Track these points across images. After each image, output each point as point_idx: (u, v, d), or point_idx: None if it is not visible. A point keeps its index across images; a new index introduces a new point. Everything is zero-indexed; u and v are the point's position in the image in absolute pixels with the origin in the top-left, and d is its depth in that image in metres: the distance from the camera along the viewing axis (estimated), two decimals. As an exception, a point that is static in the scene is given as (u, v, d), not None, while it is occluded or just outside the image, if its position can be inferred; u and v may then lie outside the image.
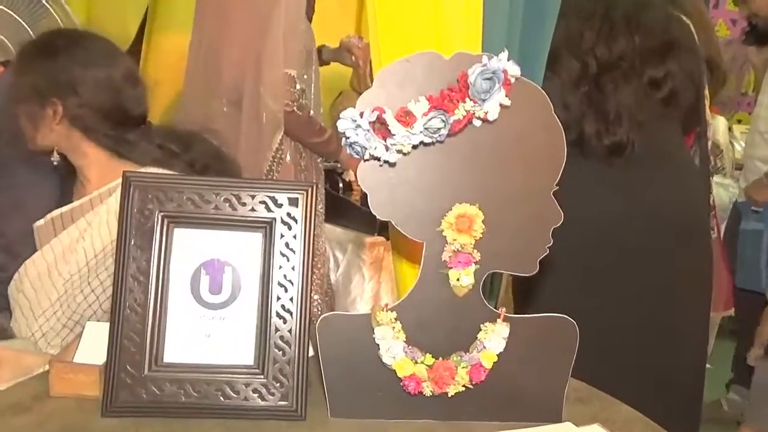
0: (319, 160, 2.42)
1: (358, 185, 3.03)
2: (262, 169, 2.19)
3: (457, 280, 0.97)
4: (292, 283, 1.00)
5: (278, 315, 1.00)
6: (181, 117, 2.21)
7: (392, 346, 0.97)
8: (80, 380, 1.01)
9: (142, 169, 1.34)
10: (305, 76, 2.27)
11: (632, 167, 1.56)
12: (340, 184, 2.98)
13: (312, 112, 2.30)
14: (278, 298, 1.00)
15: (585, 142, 1.55)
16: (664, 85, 1.57)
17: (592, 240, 1.54)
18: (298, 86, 2.20)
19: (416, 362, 0.98)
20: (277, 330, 1.00)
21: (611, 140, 1.55)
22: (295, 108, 2.20)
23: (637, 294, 1.57)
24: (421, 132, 0.92)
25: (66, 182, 1.46)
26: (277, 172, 2.21)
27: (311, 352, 1.02)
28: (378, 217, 0.97)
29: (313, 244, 1.03)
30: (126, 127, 1.38)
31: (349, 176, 2.89)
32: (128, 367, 0.97)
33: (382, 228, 2.48)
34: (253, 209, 1.01)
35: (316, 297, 2.30)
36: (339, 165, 2.83)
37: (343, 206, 2.71)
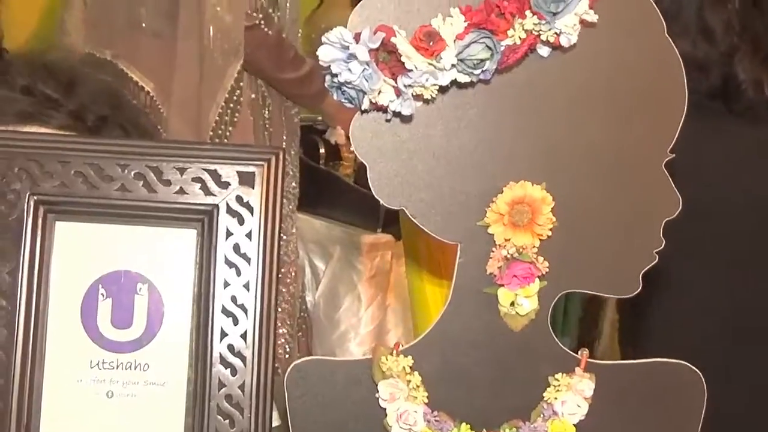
0: (293, 111, 2.41)
1: (351, 152, 3.04)
2: (206, 122, 2.18)
3: (512, 304, 0.97)
4: (246, 311, 0.99)
5: (224, 362, 0.99)
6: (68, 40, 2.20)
7: (407, 411, 0.97)
8: None
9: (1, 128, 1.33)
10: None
11: None
12: (321, 150, 2.97)
13: (286, 32, 2.30)
14: (224, 335, 0.99)
15: (736, 91, 1.54)
16: None
17: (743, 240, 1.55)
18: None
19: (446, 437, 0.98)
20: (222, 386, 0.98)
21: None
22: (260, 21, 2.19)
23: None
24: (453, 66, 0.91)
25: None
26: (232, 127, 2.21)
27: (276, 421, 1.01)
28: (384, 203, 0.96)
29: (280, 247, 1.01)
30: None
31: (337, 137, 2.89)
32: (-18, 447, 0.97)
33: (389, 221, 2.47)
34: (182, 191, 1.00)
35: (282, 330, 2.30)
36: (319, 119, 2.82)
37: (328, 185, 2.71)
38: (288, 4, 2.31)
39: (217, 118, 2.19)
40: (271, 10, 2.19)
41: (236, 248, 1.00)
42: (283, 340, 2.30)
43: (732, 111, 1.54)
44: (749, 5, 1.55)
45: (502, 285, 0.96)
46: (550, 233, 0.95)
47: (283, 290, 2.29)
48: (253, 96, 2.27)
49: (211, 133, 2.21)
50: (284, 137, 2.35)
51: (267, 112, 2.31)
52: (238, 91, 2.21)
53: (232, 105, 2.21)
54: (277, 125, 2.33)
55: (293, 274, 2.37)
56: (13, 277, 0.98)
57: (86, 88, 1.41)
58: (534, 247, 0.96)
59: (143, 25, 2.18)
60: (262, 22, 2.18)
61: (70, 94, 1.39)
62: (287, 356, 2.27)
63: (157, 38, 2.18)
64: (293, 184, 2.38)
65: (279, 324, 2.22)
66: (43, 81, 1.39)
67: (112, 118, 1.39)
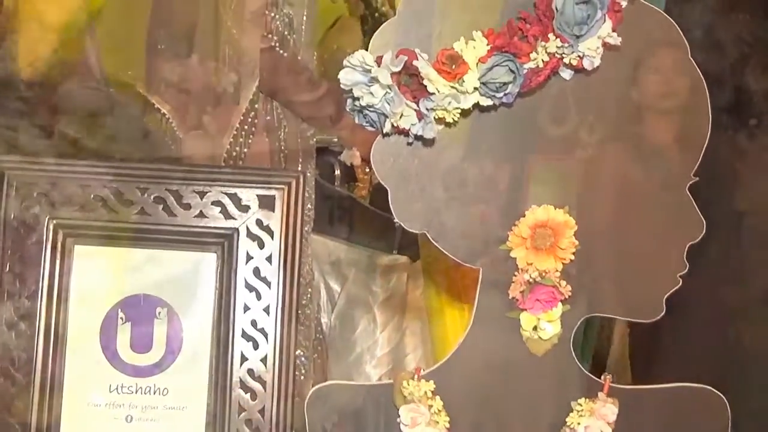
0: (309, 133, 2.41)
1: (366, 174, 3.04)
2: (220, 144, 2.18)
3: (535, 329, 0.96)
4: (266, 336, 1.00)
5: (244, 386, 0.99)
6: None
7: (429, 437, 0.97)
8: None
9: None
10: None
11: None
12: (337, 171, 2.97)
13: (301, 55, 2.30)
14: (243, 359, 1.00)
15: (748, 103, 1.54)
16: None
17: (756, 251, 1.54)
18: (283, 8, 2.20)
19: (468, 463, 0.97)
20: (241, 410, 0.99)
21: None
22: (275, 44, 2.19)
23: None
24: (476, 89, 0.90)
25: None
26: (247, 149, 2.20)
27: (296, 446, 1.01)
28: (404, 226, 0.96)
29: (300, 270, 1.02)
30: None
31: (352, 159, 2.88)
32: (3, 470, 0.97)
33: (405, 243, 2.46)
34: (202, 214, 1.01)
35: (298, 352, 2.29)
36: (335, 140, 2.82)
37: (343, 207, 2.70)
38: (303, 27, 2.30)
39: (231, 140, 2.19)
40: (286, 33, 2.18)
41: (256, 272, 1.00)
42: (298, 362, 2.29)
43: (745, 123, 1.54)
44: (760, 15, 1.55)
45: (525, 309, 0.95)
46: (572, 257, 0.95)
47: (299, 313, 2.29)
48: (268, 118, 2.26)
49: (225, 155, 2.20)
50: (300, 159, 2.35)
51: (283, 133, 2.29)
52: (253, 113, 2.20)
53: (246, 127, 2.20)
54: (292, 147, 2.32)
55: (309, 295, 2.36)
56: (32, 301, 0.98)
57: (107, 123, 1.41)
58: (557, 271, 0.95)
59: (160, 46, 2.18)
60: (278, 44, 2.17)
61: (92, 132, 1.40)
62: (303, 378, 2.26)
63: (174, 60, 2.19)
64: (308, 205, 2.37)
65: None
66: (64, 119, 1.39)
67: (136, 152, 1.39)
